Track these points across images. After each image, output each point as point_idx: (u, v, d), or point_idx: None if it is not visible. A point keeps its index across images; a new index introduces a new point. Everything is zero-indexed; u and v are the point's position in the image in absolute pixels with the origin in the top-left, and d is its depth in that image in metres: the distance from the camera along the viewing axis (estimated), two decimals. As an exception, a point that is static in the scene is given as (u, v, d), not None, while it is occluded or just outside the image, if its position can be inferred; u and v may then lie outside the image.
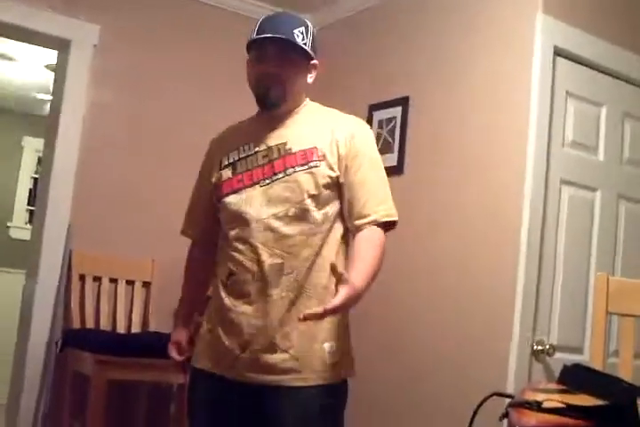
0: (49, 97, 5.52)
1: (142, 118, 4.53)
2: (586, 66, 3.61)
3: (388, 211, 2.41)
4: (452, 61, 3.90)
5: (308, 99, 2.55)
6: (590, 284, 3.48)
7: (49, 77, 5.63)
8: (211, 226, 2.58)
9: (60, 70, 4.50)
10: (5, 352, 4.64)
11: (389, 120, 4.12)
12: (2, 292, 6.88)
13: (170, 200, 4.41)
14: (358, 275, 2.19)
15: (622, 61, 3.71)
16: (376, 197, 2.41)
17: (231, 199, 2.43)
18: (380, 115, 4.18)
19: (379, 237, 2.37)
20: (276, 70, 2.39)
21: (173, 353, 2.63)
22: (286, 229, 2.36)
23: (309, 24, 2.48)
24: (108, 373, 3.69)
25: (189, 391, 2.55)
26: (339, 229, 2.43)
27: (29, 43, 4.82)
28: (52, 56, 4.92)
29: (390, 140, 4.08)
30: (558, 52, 3.51)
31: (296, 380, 2.32)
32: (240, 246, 2.38)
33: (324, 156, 2.39)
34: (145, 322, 4.32)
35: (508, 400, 1.73)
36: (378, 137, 4.01)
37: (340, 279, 2.08)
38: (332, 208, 2.42)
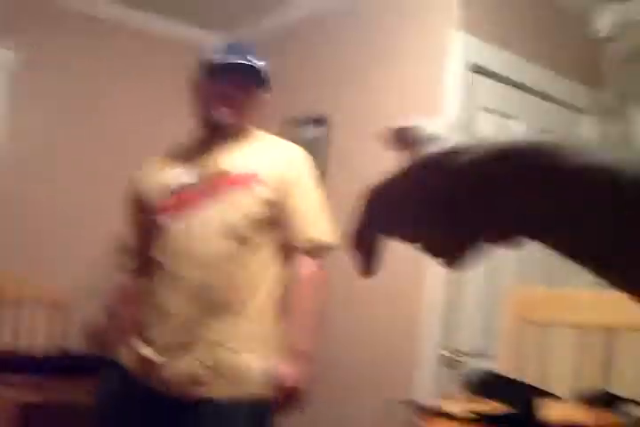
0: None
1: (59, 140, 4.47)
2: (501, 80, 3.63)
3: (325, 236, 2.48)
4: (365, 80, 3.88)
5: (252, 128, 2.58)
6: (501, 287, 3.49)
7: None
8: (146, 252, 2.57)
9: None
10: None
11: (312, 139, 4.10)
12: None
13: (86, 220, 4.35)
14: (304, 336, 2.38)
15: (537, 77, 3.75)
16: (315, 221, 2.48)
17: (166, 220, 2.44)
18: (300, 132, 4.15)
19: (312, 275, 2.45)
20: (234, 93, 2.43)
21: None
22: (215, 248, 2.37)
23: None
24: (17, 395, 3.56)
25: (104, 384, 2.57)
26: (272, 251, 2.47)
27: None
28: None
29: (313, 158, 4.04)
30: (474, 69, 3.51)
31: (213, 391, 2.34)
32: (166, 264, 2.41)
33: (262, 181, 2.42)
34: (58, 341, 4.20)
35: (416, 408, 1.70)
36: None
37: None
38: (267, 231, 2.44)
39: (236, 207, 2.38)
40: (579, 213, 0.44)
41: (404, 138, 0.58)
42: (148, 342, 2.40)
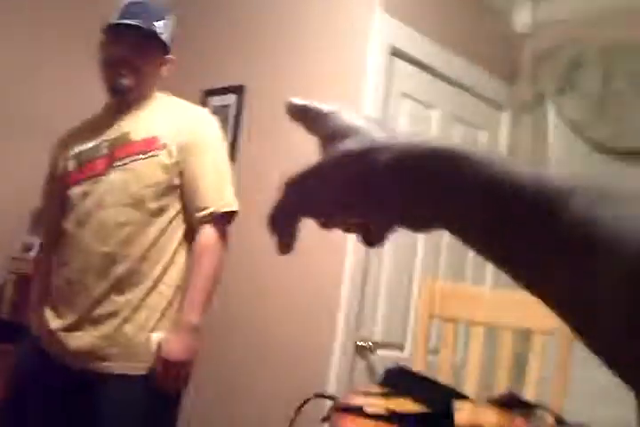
0: None
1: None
2: (420, 67, 3.63)
3: (226, 201, 2.41)
4: (287, 55, 3.83)
5: (157, 92, 2.52)
6: (414, 281, 3.56)
7: None
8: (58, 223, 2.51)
9: None
10: None
11: (224, 107, 4.05)
12: None
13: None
14: (192, 309, 2.31)
15: (457, 67, 3.76)
16: (215, 188, 2.41)
17: (74, 191, 2.39)
18: (214, 101, 4.10)
19: (212, 243, 2.38)
20: (130, 57, 2.35)
21: None
22: (121, 218, 2.32)
23: (173, 17, 2.46)
24: None
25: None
26: (177, 220, 2.42)
27: None
28: None
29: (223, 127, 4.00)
30: (394, 52, 3.48)
31: (114, 366, 2.32)
32: (74, 235, 2.36)
33: (164, 145, 2.35)
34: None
35: (330, 402, 1.71)
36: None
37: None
38: (171, 200, 2.39)
39: (138, 176, 2.33)
40: (477, 216, 0.49)
41: (301, 113, 0.67)
42: (57, 314, 2.37)
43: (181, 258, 2.41)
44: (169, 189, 2.37)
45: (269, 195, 3.18)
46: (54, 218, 2.52)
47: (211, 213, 2.37)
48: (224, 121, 4.02)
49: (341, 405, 1.62)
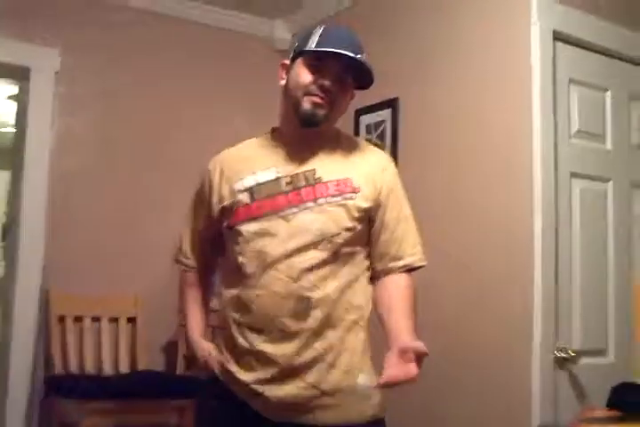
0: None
1: (114, 144, 4.24)
2: (586, 49, 3.36)
3: (420, 255, 2.26)
4: (440, 58, 3.65)
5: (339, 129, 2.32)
6: (609, 281, 3.34)
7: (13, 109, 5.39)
8: (211, 253, 2.39)
9: (21, 100, 4.23)
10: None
11: (378, 124, 3.86)
12: None
13: (149, 231, 4.14)
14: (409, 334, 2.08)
15: (623, 41, 3.47)
16: (411, 239, 2.25)
17: (249, 228, 2.17)
18: (367, 119, 3.91)
19: (411, 286, 2.23)
20: (333, 88, 2.14)
21: (209, 365, 2.30)
22: (314, 261, 2.12)
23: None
24: (98, 421, 3.37)
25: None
26: (365, 264, 2.23)
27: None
28: (14, 86, 4.67)
29: (379, 143, 3.81)
30: (558, 37, 3.26)
31: (330, 418, 2.12)
32: (259, 278, 2.14)
33: (358, 188, 2.16)
34: (133, 361, 4.02)
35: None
36: (367, 141, 3.74)
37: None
38: (362, 244, 2.21)
39: (333, 219, 2.14)
40: None
41: None
42: (246, 368, 2.15)
43: (366, 300, 2.21)
44: (360, 234, 2.19)
45: (433, 213, 3.02)
46: (205, 251, 2.40)
47: (407, 265, 2.22)
48: (380, 137, 3.83)
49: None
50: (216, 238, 2.33)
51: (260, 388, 2.11)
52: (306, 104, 2.14)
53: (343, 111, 2.24)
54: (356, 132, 3.94)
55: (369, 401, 2.14)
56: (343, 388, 2.12)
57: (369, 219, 2.21)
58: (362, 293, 2.21)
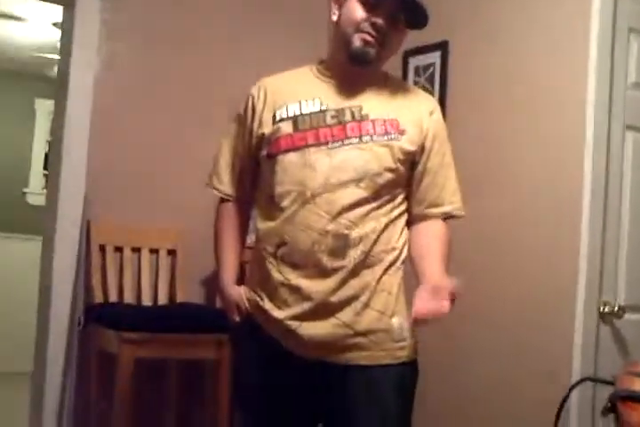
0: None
1: (160, 75, 4.18)
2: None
3: (460, 204, 2.25)
4: (495, 3, 3.57)
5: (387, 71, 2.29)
6: None
7: (58, 36, 5.34)
8: (250, 183, 2.33)
9: (66, 27, 4.18)
10: (28, 321, 4.39)
11: (427, 67, 3.80)
12: (22, 258, 6.84)
13: (193, 162, 4.11)
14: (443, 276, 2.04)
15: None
16: (451, 187, 2.24)
17: (291, 158, 2.13)
18: (416, 61, 3.85)
19: (448, 233, 2.22)
20: (386, 27, 2.09)
21: (235, 315, 2.30)
22: (354, 199, 2.09)
23: None
24: (135, 351, 3.42)
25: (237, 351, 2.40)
26: (403, 207, 2.21)
27: (34, -1, 4.51)
28: (59, 13, 4.60)
29: (429, 88, 3.75)
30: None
31: (363, 358, 2.11)
32: (296, 212, 2.11)
33: (404, 130, 2.13)
34: (172, 293, 4.05)
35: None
36: (415, 85, 3.69)
37: None
38: (402, 187, 2.19)
39: (378, 158, 2.10)
40: None
41: None
42: (278, 304, 2.14)
43: (403, 242, 2.19)
44: (402, 176, 2.16)
45: (483, 161, 3.00)
46: (245, 179, 2.35)
47: (446, 213, 2.23)
48: (429, 80, 3.77)
49: (624, 392, 1.35)
50: (254, 168, 2.29)
51: (293, 324, 2.10)
52: (357, 41, 2.10)
53: (394, 52, 2.20)
54: (404, 74, 3.88)
55: (402, 343, 2.14)
56: (377, 329, 2.12)
57: (412, 162, 2.18)
58: (399, 235, 2.18)
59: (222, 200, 2.42)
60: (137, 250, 4.03)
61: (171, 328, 3.51)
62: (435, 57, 3.75)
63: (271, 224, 2.16)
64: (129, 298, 3.93)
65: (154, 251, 4.06)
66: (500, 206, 3.41)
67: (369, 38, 2.09)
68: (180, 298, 4.00)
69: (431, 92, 3.70)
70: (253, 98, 2.28)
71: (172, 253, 4.08)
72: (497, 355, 3.33)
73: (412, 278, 2.09)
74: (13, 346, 6.51)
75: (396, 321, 2.14)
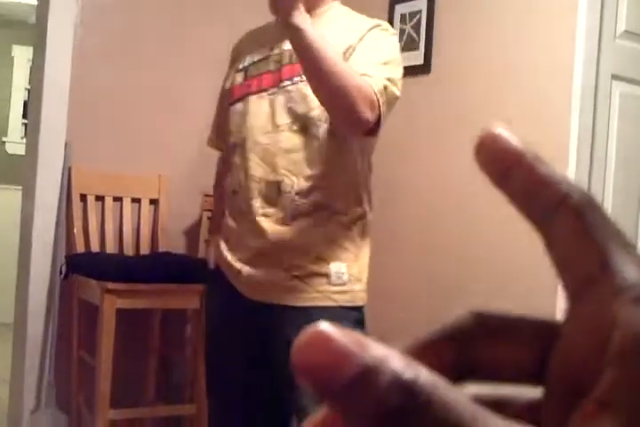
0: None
1: (142, 20, 4.10)
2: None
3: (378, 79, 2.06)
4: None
5: (338, 2, 2.25)
6: None
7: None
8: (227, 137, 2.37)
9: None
10: (9, 271, 4.36)
11: (413, 14, 3.73)
12: (0, 208, 6.82)
13: (175, 111, 4.06)
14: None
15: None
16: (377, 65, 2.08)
17: (238, 107, 2.20)
18: (402, 8, 3.78)
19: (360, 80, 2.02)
20: None
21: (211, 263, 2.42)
22: (288, 143, 2.11)
23: None
24: (117, 301, 3.39)
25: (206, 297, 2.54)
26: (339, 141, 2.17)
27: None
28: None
29: (415, 36, 3.69)
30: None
31: (300, 299, 2.17)
32: (239, 162, 2.20)
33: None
34: (154, 242, 4.01)
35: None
36: (401, 33, 3.63)
37: None
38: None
39: (303, 96, 2.09)
40: None
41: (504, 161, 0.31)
42: (230, 247, 2.25)
43: (354, 178, 2.23)
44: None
45: (466, 107, 2.97)
46: (223, 131, 2.37)
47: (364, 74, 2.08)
48: (415, 28, 3.71)
49: None
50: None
51: (238, 266, 2.20)
52: None
53: None
54: (390, 21, 3.81)
55: (342, 287, 2.17)
56: (315, 273, 2.16)
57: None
58: (341, 171, 2.18)
59: (221, 154, 2.51)
60: (118, 199, 3.98)
61: (153, 278, 3.48)
62: (422, 4, 3.68)
63: (230, 174, 2.26)
64: (111, 248, 3.90)
65: (136, 200, 4.02)
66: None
67: None
68: (162, 248, 3.97)
69: (417, 41, 3.64)
70: (232, 52, 2.37)
71: (154, 202, 4.03)
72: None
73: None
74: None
75: (334, 267, 2.17)
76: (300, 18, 1.90)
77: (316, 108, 2.08)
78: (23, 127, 7.83)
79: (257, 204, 2.13)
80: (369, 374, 0.23)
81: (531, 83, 3.22)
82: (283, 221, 2.13)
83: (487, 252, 3.31)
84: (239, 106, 2.19)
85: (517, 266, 3.13)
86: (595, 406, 0.24)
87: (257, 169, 2.12)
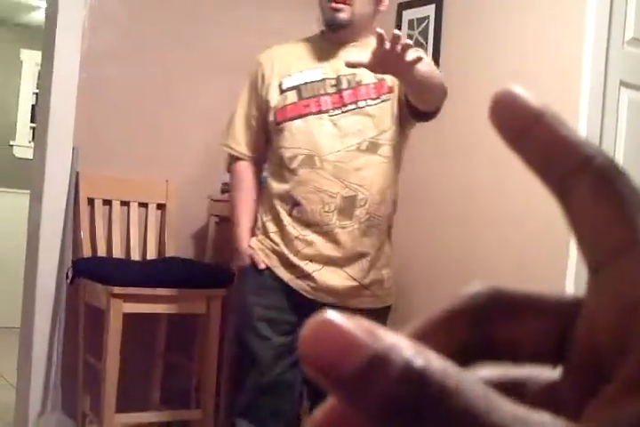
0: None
1: (150, 25, 4.11)
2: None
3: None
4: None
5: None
6: None
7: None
8: (263, 144, 2.56)
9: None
10: (16, 275, 4.34)
11: (421, 20, 3.73)
12: (8, 212, 6.79)
13: (183, 116, 4.07)
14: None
15: None
16: None
17: (298, 124, 2.34)
18: (410, 14, 3.78)
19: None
20: None
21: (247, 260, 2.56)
22: (358, 162, 2.30)
23: None
24: (123, 306, 3.40)
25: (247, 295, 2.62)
26: (396, 163, 2.46)
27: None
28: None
29: (423, 42, 3.69)
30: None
31: (362, 303, 2.41)
32: (307, 176, 2.33)
33: (392, 88, 2.32)
34: (161, 247, 4.02)
35: None
36: (409, 39, 3.61)
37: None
38: (400, 141, 2.40)
39: (372, 118, 2.31)
40: None
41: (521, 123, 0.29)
42: (296, 252, 2.41)
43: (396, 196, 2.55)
44: (398, 132, 2.39)
45: (475, 114, 2.99)
46: (260, 143, 2.56)
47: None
48: (423, 34, 3.71)
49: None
50: (267, 130, 2.50)
51: (311, 268, 2.39)
52: (327, 11, 2.31)
53: (368, 12, 2.34)
54: (398, 27, 3.82)
55: (389, 290, 2.49)
56: (375, 279, 2.43)
57: (406, 106, 2.35)
58: (391, 190, 2.44)
59: (237, 160, 2.62)
60: (126, 204, 3.99)
61: (159, 283, 3.48)
62: (429, 10, 3.68)
63: (284, 186, 2.38)
64: (117, 252, 3.90)
65: (143, 204, 4.02)
66: (494, 157, 3.38)
67: (334, 5, 2.26)
68: (169, 252, 3.97)
69: (425, 46, 3.64)
70: (262, 65, 2.46)
71: (161, 206, 4.04)
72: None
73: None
74: (0, 301, 6.49)
75: (386, 272, 2.45)
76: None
77: (384, 132, 2.29)
78: (31, 131, 7.85)
79: (334, 216, 2.31)
80: (377, 362, 0.22)
81: (539, 89, 3.20)
82: (358, 233, 2.33)
83: (493, 246, 3.31)
84: (298, 124, 2.32)
85: (524, 264, 3.14)
86: (619, 389, 0.23)
87: (330, 184, 2.30)
